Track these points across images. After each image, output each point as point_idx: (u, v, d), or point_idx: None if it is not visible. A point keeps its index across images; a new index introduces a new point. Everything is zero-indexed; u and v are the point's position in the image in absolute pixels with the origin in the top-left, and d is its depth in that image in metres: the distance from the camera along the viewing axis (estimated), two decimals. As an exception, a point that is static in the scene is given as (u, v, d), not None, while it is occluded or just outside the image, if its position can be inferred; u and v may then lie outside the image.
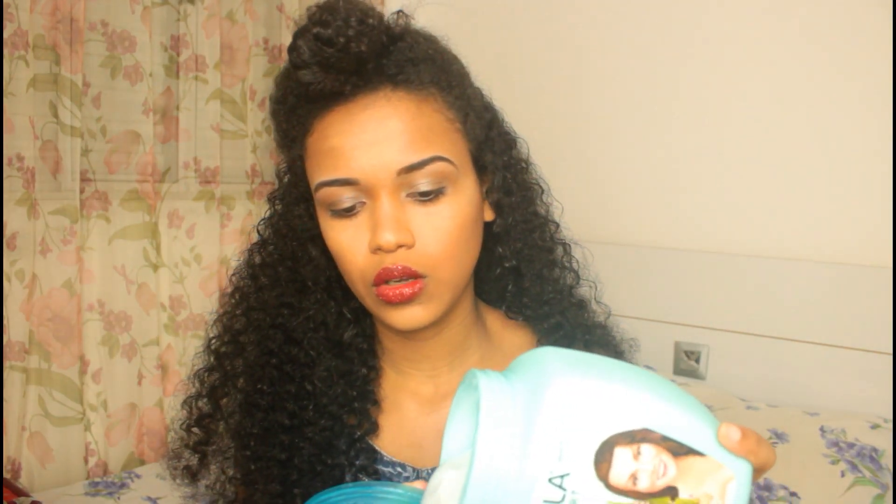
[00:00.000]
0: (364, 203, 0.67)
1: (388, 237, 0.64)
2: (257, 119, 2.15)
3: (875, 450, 1.41)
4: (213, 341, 0.82)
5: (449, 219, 0.67)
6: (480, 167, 0.72)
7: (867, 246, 1.61)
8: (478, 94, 0.75)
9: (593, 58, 2.02)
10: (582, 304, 0.81)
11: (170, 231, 1.97)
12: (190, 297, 2.01)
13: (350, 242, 0.67)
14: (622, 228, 1.96)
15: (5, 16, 1.62)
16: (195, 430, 0.80)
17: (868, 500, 1.35)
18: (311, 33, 0.63)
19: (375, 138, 0.65)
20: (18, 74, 1.65)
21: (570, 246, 0.82)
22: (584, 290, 0.83)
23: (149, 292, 1.93)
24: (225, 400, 0.80)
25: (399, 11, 0.71)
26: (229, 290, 0.82)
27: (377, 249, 0.66)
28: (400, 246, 0.65)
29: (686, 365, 1.81)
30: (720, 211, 1.82)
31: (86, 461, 1.83)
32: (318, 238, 0.74)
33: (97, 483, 1.70)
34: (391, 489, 0.55)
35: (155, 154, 1.91)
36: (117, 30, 1.85)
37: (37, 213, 1.72)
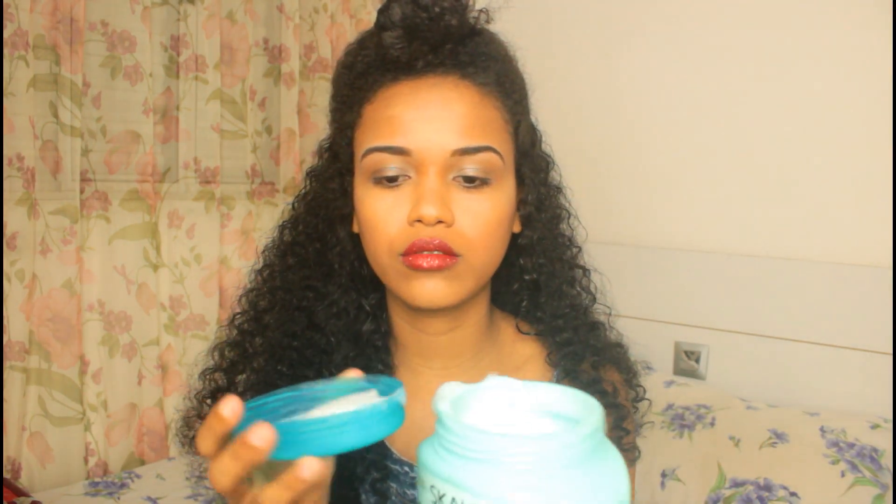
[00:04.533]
0: (409, 177, 0.68)
1: (430, 210, 0.65)
2: (257, 119, 2.15)
3: (875, 450, 1.41)
4: (238, 317, 0.81)
5: (489, 209, 0.68)
6: (519, 178, 0.74)
7: (867, 246, 1.62)
8: (530, 110, 0.77)
9: (594, 59, 2.02)
10: (595, 326, 0.82)
11: (170, 231, 1.97)
12: (190, 297, 2.01)
13: (387, 212, 0.68)
14: (622, 228, 1.96)
15: (5, 16, 1.62)
16: (209, 402, 0.79)
17: (868, 500, 1.35)
18: None
19: (438, 115, 0.66)
20: (18, 74, 1.65)
21: (589, 271, 0.83)
22: (599, 316, 0.83)
23: (149, 292, 1.93)
24: (240, 377, 0.79)
25: (483, 9, 0.72)
26: (258, 266, 0.83)
27: (416, 221, 0.66)
28: (439, 222, 0.66)
29: (686, 365, 1.81)
30: (720, 211, 1.82)
31: (86, 461, 1.83)
32: (346, 218, 0.75)
33: (97, 483, 1.70)
34: (322, 385, 0.55)
35: (155, 154, 1.91)
36: (117, 30, 1.85)
37: (37, 213, 1.72)
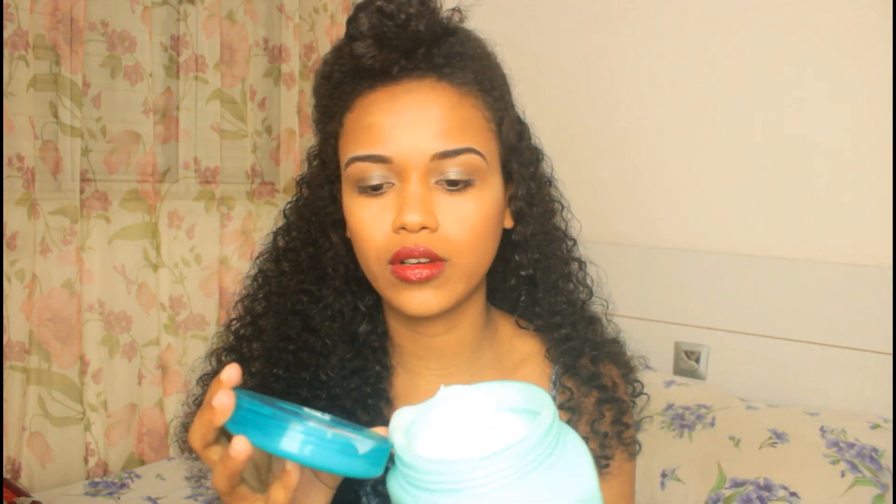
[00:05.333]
0: (392, 184, 0.68)
1: (413, 217, 0.65)
2: (257, 119, 2.15)
3: (875, 450, 1.41)
4: (234, 322, 0.82)
5: (473, 211, 0.68)
6: (507, 173, 0.74)
7: (867, 246, 1.61)
8: (514, 104, 0.77)
9: (594, 58, 2.02)
10: (593, 320, 0.82)
11: (170, 231, 1.97)
12: (190, 297, 2.01)
13: (372, 220, 0.68)
14: (622, 228, 1.96)
15: (5, 16, 1.62)
16: None
17: (868, 500, 1.35)
18: (374, 6, 0.65)
19: (415, 120, 0.66)
20: (18, 74, 1.65)
21: (585, 263, 0.83)
22: (596, 309, 0.83)
23: (149, 292, 1.93)
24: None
25: (455, 8, 0.72)
26: (253, 272, 0.83)
27: (400, 229, 0.66)
28: (423, 227, 0.66)
29: (686, 365, 1.81)
30: (720, 211, 1.82)
31: (86, 461, 1.83)
32: (339, 223, 0.75)
33: (97, 483, 1.70)
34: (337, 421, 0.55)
35: (155, 154, 1.91)
36: (117, 30, 1.85)
37: (37, 213, 1.72)
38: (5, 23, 1.62)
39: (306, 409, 0.56)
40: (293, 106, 2.17)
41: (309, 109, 2.24)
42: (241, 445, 0.50)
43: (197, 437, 0.53)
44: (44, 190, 1.75)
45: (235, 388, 0.52)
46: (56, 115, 1.75)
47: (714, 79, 1.82)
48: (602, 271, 0.84)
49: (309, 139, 2.23)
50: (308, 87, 2.24)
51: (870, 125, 1.61)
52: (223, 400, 0.50)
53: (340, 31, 2.28)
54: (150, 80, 1.88)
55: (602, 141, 2.00)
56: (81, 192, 1.80)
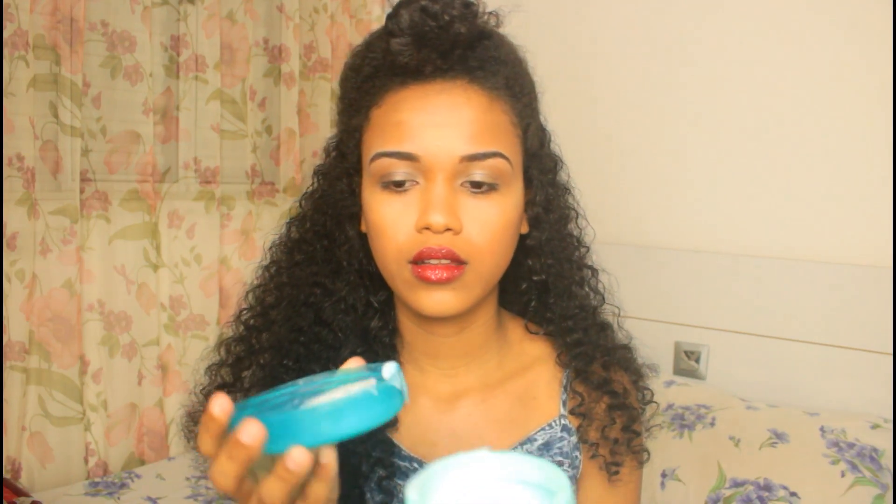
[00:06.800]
0: (417, 183, 0.68)
1: (438, 218, 0.65)
2: (257, 119, 2.15)
3: (875, 450, 1.41)
4: (244, 312, 0.82)
5: (497, 215, 0.68)
6: (527, 179, 0.74)
7: (867, 246, 1.62)
8: (539, 111, 0.77)
9: (596, 59, 2.02)
10: (604, 327, 0.82)
11: (170, 231, 1.97)
12: (190, 297, 2.00)
13: (395, 218, 0.68)
14: (622, 228, 1.96)
15: (5, 16, 1.62)
16: None
17: (868, 500, 1.35)
18: (418, 4, 0.65)
19: (446, 121, 0.66)
20: (18, 74, 1.65)
21: (597, 271, 0.83)
22: (608, 316, 0.84)
23: (149, 292, 1.93)
24: (247, 372, 0.79)
25: (493, 12, 0.72)
26: (265, 262, 0.83)
27: (424, 229, 0.66)
28: (448, 229, 0.66)
29: (686, 365, 1.81)
30: (720, 211, 1.82)
31: (86, 461, 1.82)
32: (355, 217, 0.75)
33: (97, 483, 1.70)
34: (324, 378, 0.54)
35: (155, 154, 1.91)
36: (117, 30, 1.85)
37: (37, 213, 1.72)
38: (5, 23, 1.62)
39: (302, 381, 0.55)
40: (293, 106, 2.17)
41: (309, 109, 2.24)
42: (298, 458, 0.47)
43: (230, 481, 0.50)
44: (44, 190, 1.75)
45: (238, 404, 0.51)
46: (56, 115, 1.75)
47: (713, 79, 1.82)
48: (614, 279, 0.85)
49: (309, 139, 2.23)
50: (308, 86, 2.24)
51: (870, 125, 1.61)
52: (252, 431, 0.47)
53: (341, 30, 2.28)
54: (150, 80, 1.88)
55: (601, 141, 2.00)
56: (81, 192, 1.80)
